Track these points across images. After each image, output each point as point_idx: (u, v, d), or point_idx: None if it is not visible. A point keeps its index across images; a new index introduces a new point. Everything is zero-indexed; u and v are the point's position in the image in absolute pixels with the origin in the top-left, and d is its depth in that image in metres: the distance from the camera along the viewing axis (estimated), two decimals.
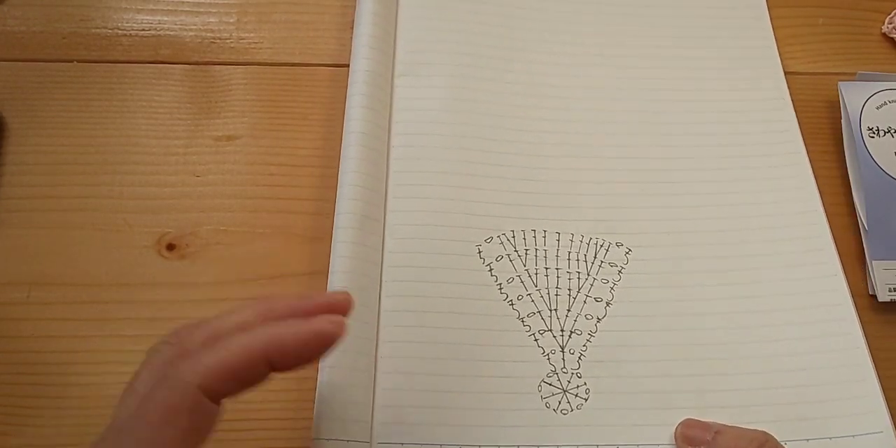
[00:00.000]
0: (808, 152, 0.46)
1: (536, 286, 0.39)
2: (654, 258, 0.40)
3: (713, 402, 0.36)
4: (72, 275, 0.40)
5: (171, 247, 0.41)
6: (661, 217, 0.41)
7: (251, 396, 0.33)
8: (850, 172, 0.45)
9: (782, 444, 0.33)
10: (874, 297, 0.41)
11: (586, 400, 0.36)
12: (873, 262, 0.42)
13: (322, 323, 0.26)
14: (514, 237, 0.40)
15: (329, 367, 0.35)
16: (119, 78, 0.45)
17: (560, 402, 0.36)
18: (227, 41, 0.47)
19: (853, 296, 0.41)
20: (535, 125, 0.44)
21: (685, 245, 0.41)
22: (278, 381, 0.33)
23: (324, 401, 0.34)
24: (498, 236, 0.40)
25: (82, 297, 0.40)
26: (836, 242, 0.43)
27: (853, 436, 0.35)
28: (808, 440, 0.35)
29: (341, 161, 0.41)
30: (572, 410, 0.36)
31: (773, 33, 0.48)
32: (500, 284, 0.39)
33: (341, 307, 0.28)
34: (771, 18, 0.49)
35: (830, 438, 0.35)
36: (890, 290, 0.41)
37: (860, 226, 0.43)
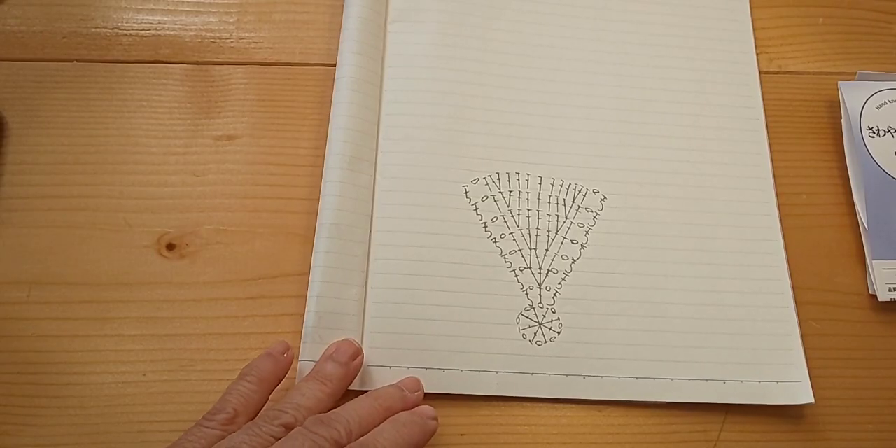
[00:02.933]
0: (807, 152, 0.46)
1: (518, 226, 0.42)
2: (626, 206, 0.43)
3: (669, 342, 0.40)
4: (72, 274, 0.40)
5: (171, 246, 0.41)
6: (635, 168, 0.44)
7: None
8: (850, 172, 0.45)
9: (722, 383, 0.38)
10: (874, 296, 0.41)
11: (559, 333, 0.39)
12: (873, 261, 0.42)
13: None
14: (499, 179, 0.43)
15: (318, 297, 0.38)
16: (119, 77, 0.45)
17: (535, 334, 0.39)
18: (227, 41, 0.47)
19: (852, 295, 0.42)
20: (522, 72, 0.46)
21: (655, 197, 0.43)
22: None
23: (312, 327, 0.37)
24: (484, 177, 0.43)
25: (82, 296, 0.40)
26: (835, 242, 0.43)
27: (777, 382, 0.39)
28: (741, 381, 0.39)
29: (333, 105, 0.42)
30: (546, 342, 0.39)
31: (750, 15, 0.49)
32: (485, 223, 0.41)
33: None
34: (771, 18, 0.49)
35: (759, 382, 0.39)
36: (890, 290, 0.41)
37: (860, 225, 0.43)
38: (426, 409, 0.35)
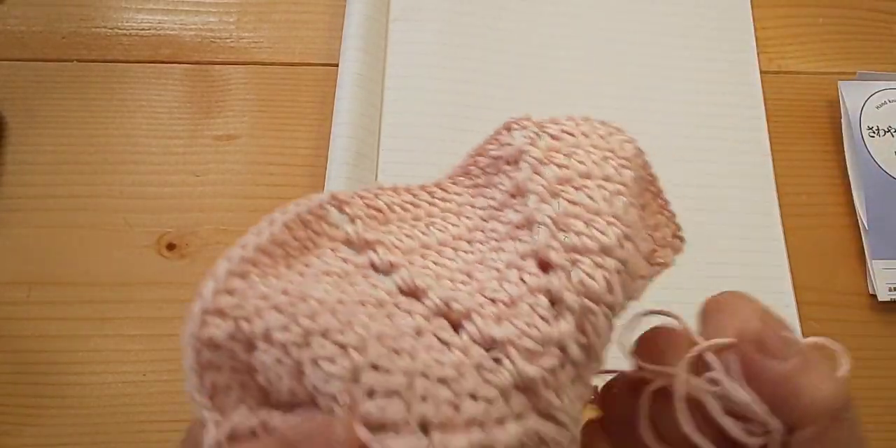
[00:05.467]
0: (807, 151, 0.46)
1: None
2: None
3: None
4: (72, 274, 0.40)
5: (171, 246, 0.41)
6: None
7: None
8: (850, 172, 0.44)
9: None
10: (874, 296, 0.41)
11: None
12: (873, 261, 0.42)
13: None
14: None
15: None
16: (119, 77, 0.45)
17: None
18: (227, 41, 0.47)
19: (852, 294, 0.42)
20: (524, 71, 0.46)
21: None
22: None
23: None
24: None
25: (82, 296, 0.40)
26: (835, 242, 0.43)
27: None
28: None
29: (336, 100, 0.43)
30: None
31: (750, 15, 0.49)
32: None
33: None
34: (771, 18, 0.49)
35: None
36: (890, 290, 0.41)
37: (860, 225, 0.43)
38: None
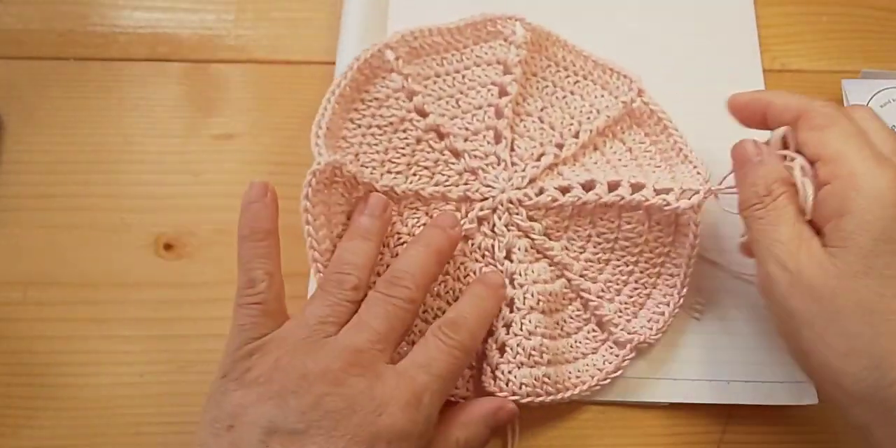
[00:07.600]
0: None
1: None
2: None
3: (673, 342, 0.40)
4: (68, 275, 0.40)
5: (168, 246, 0.41)
6: None
7: None
8: None
9: (726, 383, 0.38)
10: None
11: None
12: None
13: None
14: None
15: None
16: (116, 76, 0.45)
17: None
18: (225, 38, 0.46)
19: None
20: None
21: None
22: None
23: None
24: None
25: (79, 297, 0.40)
26: None
27: (780, 382, 0.39)
28: (745, 382, 0.39)
29: None
30: None
31: (754, 13, 0.48)
32: None
33: None
34: (774, 16, 0.49)
35: (763, 382, 0.39)
36: None
37: None
38: (495, 278, 0.36)
